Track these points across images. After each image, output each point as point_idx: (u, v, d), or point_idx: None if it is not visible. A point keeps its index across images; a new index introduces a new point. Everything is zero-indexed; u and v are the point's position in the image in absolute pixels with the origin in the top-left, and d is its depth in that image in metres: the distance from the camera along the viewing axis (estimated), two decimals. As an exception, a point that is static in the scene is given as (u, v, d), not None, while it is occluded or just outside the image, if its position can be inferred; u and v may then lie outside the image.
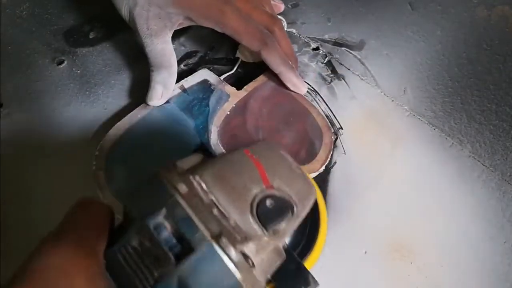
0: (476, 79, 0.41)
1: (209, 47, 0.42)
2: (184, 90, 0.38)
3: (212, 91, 0.38)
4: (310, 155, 0.36)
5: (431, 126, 0.39)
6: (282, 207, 0.21)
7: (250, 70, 0.40)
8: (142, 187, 0.20)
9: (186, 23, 0.36)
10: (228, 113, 0.37)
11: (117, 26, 0.43)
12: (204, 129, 0.36)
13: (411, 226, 0.34)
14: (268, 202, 0.21)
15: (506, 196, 0.35)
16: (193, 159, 0.23)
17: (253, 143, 0.24)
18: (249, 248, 0.19)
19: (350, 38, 0.43)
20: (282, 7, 0.44)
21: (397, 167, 0.37)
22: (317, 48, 0.43)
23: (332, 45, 0.43)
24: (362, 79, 0.41)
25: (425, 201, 0.35)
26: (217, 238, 0.18)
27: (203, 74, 0.39)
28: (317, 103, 0.39)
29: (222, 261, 0.18)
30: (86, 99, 0.39)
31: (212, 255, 0.18)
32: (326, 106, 0.39)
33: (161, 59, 0.36)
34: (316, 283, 0.23)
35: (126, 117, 0.36)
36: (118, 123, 0.35)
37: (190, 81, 0.38)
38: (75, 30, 0.42)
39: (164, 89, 0.37)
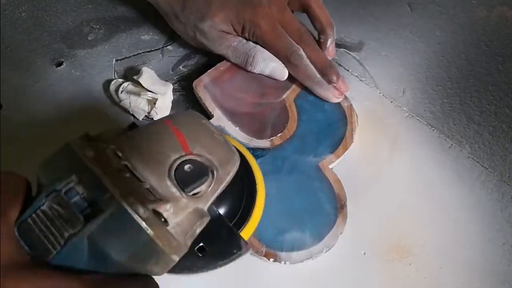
0: (475, 80, 0.41)
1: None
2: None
3: None
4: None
5: (430, 127, 0.39)
6: (201, 171, 0.22)
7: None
8: (52, 155, 0.21)
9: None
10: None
11: (116, 28, 0.43)
12: None
13: (410, 227, 0.34)
14: (187, 167, 0.22)
15: (505, 197, 0.35)
16: (111, 132, 0.23)
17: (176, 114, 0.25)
18: (165, 208, 0.20)
19: (349, 39, 0.43)
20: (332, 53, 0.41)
21: (396, 168, 0.37)
22: (316, 49, 0.43)
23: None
24: (361, 80, 0.41)
25: (424, 202, 0.35)
26: (125, 197, 0.18)
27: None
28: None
29: (132, 219, 0.18)
30: (86, 100, 0.39)
31: (121, 214, 0.18)
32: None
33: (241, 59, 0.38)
34: (247, 247, 0.24)
35: None
36: None
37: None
38: (74, 32, 0.42)
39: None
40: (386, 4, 0.45)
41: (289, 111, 0.38)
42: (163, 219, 0.19)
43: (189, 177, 0.21)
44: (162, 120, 0.24)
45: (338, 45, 0.43)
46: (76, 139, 0.21)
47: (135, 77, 0.37)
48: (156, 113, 0.37)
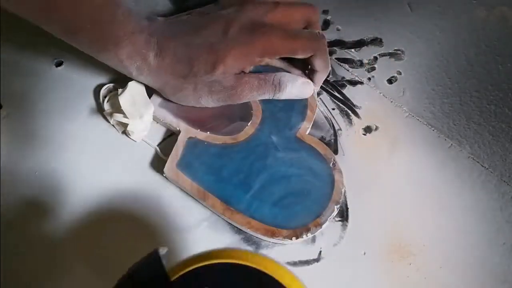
0: (475, 80, 0.41)
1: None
2: None
3: None
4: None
5: (430, 127, 0.39)
6: None
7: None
8: None
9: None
10: None
11: (116, 28, 0.43)
12: None
13: (410, 227, 0.34)
14: None
15: (505, 197, 0.35)
16: None
17: None
18: None
19: (349, 39, 0.43)
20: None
21: (395, 168, 0.37)
22: (316, 49, 0.43)
23: (330, 46, 0.43)
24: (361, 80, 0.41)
25: (424, 202, 0.35)
26: None
27: None
28: (316, 104, 0.39)
29: None
30: (86, 101, 0.39)
31: None
32: (325, 107, 0.39)
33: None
34: None
35: None
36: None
37: None
38: (74, 32, 0.42)
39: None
40: (386, 4, 0.45)
41: None
42: None
43: None
44: None
45: (338, 45, 0.43)
46: None
47: (119, 92, 0.36)
48: (129, 135, 0.36)
